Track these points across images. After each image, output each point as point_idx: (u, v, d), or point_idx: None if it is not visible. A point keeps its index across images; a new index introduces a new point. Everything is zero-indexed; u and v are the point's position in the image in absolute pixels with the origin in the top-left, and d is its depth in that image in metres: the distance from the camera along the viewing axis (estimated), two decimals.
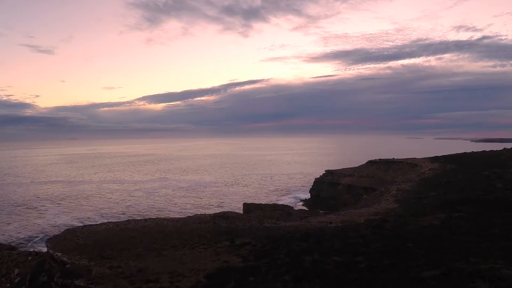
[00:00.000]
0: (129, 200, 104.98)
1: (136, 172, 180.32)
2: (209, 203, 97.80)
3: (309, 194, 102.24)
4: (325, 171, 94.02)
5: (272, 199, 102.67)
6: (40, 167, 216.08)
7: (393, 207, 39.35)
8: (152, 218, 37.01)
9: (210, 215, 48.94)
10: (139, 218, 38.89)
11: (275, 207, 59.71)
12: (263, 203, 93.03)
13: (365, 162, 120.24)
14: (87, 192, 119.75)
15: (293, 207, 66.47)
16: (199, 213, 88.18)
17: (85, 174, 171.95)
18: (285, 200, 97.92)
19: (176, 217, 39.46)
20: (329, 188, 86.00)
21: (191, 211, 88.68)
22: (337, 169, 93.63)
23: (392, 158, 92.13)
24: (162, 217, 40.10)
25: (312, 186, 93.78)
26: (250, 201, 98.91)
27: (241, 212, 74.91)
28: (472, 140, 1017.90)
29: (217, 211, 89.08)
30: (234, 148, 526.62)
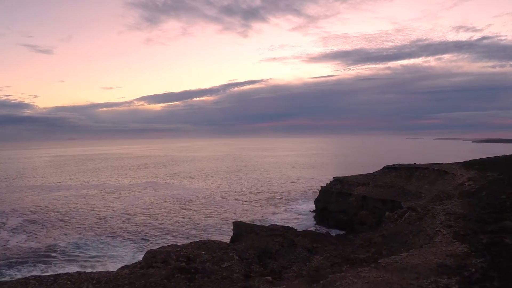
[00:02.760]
0: (104, 211, 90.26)
1: (124, 177, 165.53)
2: (195, 217, 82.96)
3: (313, 205, 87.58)
4: (333, 178, 79.14)
5: (269, 211, 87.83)
6: (25, 171, 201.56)
7: (462, 251, 24.70)
8: (70, 274, 22.31)
9: (178, 251, 34.29)
10: (48, 274, 24.19)
11: (273, 231, 44.99)
12: (258, 219, 78.80)
13: (375, 167, 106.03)
14: (61, 200, 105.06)
15: (296, 228, 51.70)
16: (180, 231, 73.96)
17: (68, 179, 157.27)
18: (285, 214, 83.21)
19: (108, 271, 24.58)
20: (339, 199, 71.19)
21: (172, 227, 74.19)
22: (348, 176, 78.80)
23: (413, 163, 77.36)
24: (88, 271, 25.29)
25: (318, 196, 78.89)
26: (243, 214, 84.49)
27: (230, 233, 60.23)
28: (473, 141, 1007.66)
29: (202, 229, 74.51)
30: (232, 149, 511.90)
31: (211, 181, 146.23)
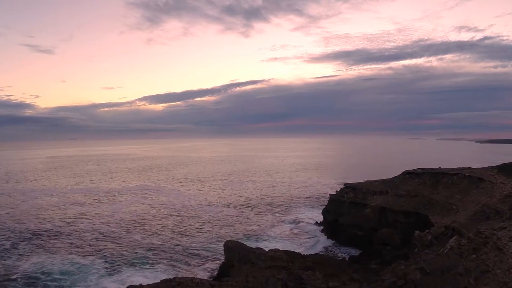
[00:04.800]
0: (84, 221, 79.68)
1: (116, 180, 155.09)
2: (184, 229, 72.22)
3: (318, 214, 77.20)
4: (344, 185, 68.20)
5: (267, 222, 76.85)
6: (14, 173, 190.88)
7: None
8: None
9: None
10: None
11: (274, 260, 34.54)
12: (254, 233, 67.60)
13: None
14: (40, 208, 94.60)
15: (303, 254, 41.08)
16: (162, 248, 63.21)
17: (55, 183, 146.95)
18: (287, 227, 72.19)
19: None
20: (352, 210, 60.43)
21: (156, 242, 63.58)
22: (361, 182, 67.96)
23: (438, 167, 66.57)
24: None
25: (327, 206, 67.95)
26: (237, 226, 73.74)
27: (220, 255, 49.68)
28: (477, 141, 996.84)
29: (189, 246, 62.20)
30: (232, 149, 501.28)
31: (208, 185, 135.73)
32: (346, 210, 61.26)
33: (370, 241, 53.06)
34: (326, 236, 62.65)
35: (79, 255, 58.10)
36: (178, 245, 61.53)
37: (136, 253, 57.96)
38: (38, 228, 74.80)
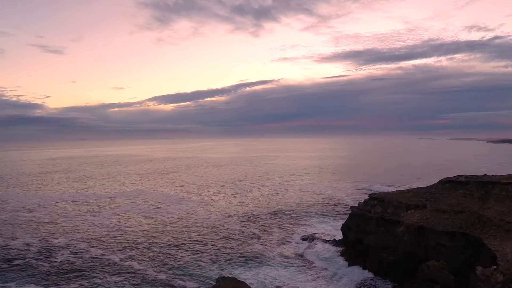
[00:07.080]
0: (61, 235, 68.73)
1: (112, 185, 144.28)
2: (174, 248, 60.49)
3: (335, 228, 65.18)
4: (369, 196, 55.51)
5: (273, 239, 64.36)
6: (8, 177, 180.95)
7: None
8: None
9: None
10: None
11: None
12: (255, 254, 54.90)
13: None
14: (19, 218, 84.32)
15: None
16: (143, 276, 51.36)
17: (47, 187, 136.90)
18: (295, 247, 59.55)
19: None
20: (381, 229, 48.21)
21: (136, 266, 51.99)
22: (390, 193, 55.53)
23: (483, 174, 53.99)
24: None
25: (348, 221, 55.33)
26: (237, 248, 61.21)
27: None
28: (488, 141, 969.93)
29: (175, 273, 44.98)
30: (242, 150, 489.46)
31: (211, 191, 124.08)
32: (373, 228, 48.96)
33: (406, 269, 40.89)
34: (347, 262, 50.28)
35: (40, 284, 46.96)
36: (162, 270, 49.92)
37: (109, 281, 46.55)
38: (5, 244, 64.00)
